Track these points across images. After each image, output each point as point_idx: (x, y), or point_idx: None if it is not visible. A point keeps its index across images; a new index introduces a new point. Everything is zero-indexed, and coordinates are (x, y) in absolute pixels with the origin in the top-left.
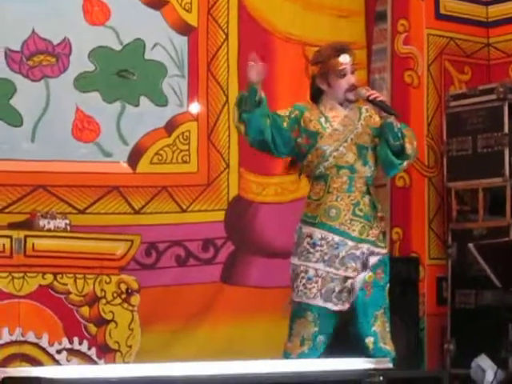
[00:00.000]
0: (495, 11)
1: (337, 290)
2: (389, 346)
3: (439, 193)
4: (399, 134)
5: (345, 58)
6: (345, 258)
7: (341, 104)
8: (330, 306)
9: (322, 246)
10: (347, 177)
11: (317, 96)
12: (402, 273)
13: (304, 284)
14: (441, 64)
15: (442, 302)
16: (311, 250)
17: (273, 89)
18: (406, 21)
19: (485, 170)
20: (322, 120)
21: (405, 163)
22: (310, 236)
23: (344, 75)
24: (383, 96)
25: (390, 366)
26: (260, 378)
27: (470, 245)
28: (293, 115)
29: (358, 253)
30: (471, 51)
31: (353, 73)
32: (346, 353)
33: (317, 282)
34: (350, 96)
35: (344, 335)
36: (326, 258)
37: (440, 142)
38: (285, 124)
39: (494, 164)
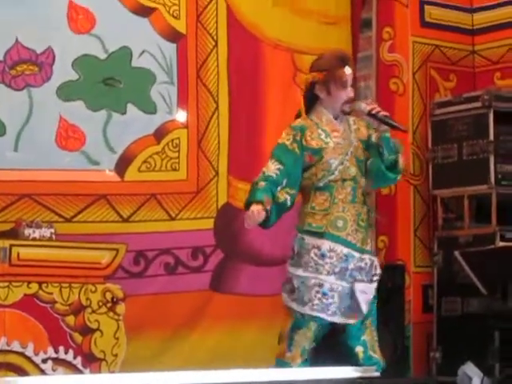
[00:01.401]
0: (480, 19)
1: (349, 304)
2: (377, 355)
3: (425, 200)
4: (394, 149)
5: (348, 69)
6: (353, 271)
7: (335, 117)
8: (343, 320)
9: (331, 257)
10: (351, 188)
11: (310, 103)
12: (387, 280)
13: (320, 298)
14: (426, 71)
15: (428, 309)
16: (320, 262)
17: (261, 96)
18: (391, 28)
19: (470, 177)
20: (323, 136)
21: (399, 177)
22: (318, 247)
23: (346, 87)
24: (385, 110)
25: (377, 374)
26: None
27: (456, 252)
28: (297, 138)
29: (362, 264)
30: (456, 59)
31: (351, 85)
32: (331, 360)
33: (333, 297)
34: (346, 108)
35: (330, 343)
36: (336, 270)
37: (425, 149)
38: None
39: (479, 171)
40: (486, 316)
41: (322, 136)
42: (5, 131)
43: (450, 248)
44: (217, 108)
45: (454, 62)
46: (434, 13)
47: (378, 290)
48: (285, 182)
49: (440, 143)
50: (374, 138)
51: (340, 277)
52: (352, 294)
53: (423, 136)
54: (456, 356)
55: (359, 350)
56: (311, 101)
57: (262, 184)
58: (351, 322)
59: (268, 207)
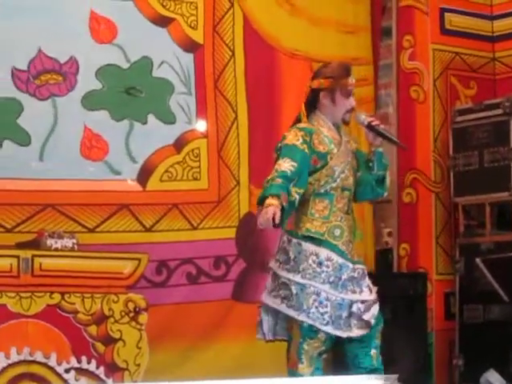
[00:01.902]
0: (500, 25)
1: (344, 316)
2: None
3: (446, 208)
4: (385, 165)
5: (352, 79)
6: (346, 281)
7: (334, 125)
8: (338, 333)
9: (327, 266)
10: (347, 199)
11: (310, 108)
12: (409, 288)
13: (317, 307)
14: (446, 79)
15: (450, 317)
16: (317, 270)
17: (279, 105)
18: (412, 36)
19: (491, 184)
20: (327, 141)
21: (385, 194)
22: (316, 255)
23: (350, 96)
24: (384, 124)
25: (398, 382)
26: None
27: (478, 259)
28: (307, 139)
29: (355, 274)
30: (477, 66)
31: (353, 95)
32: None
33: (327, 307)
34: (347, 117)
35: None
36: (330, 279)
37: (446, 157)
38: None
39: (500, 178)
40: (507, 323)
41: (327, 141)
42: (30, 141)
43: (472, 255)
44: (236, 118)
45: (474, 69)
46: (454, 20)
47: (401, 298)
48: (296, 180)
49: (461, 150)
50: (362, 154)
51: (333, 286)
52: (344, 306)
53: (444, 143)
54: (478, 363)
55: (374, 352)
56: (311, 107)
57: (279, 180)
58: (345, 335)
59: (284, 204)
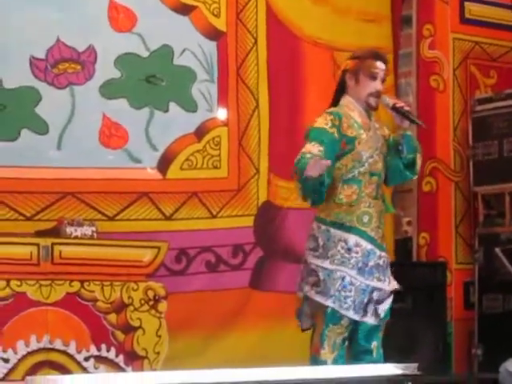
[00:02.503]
0: None
1: (365, 301)
2: None
3: (466, 197)
4: (414, 148)
5: (381, 64)
6: (373, 268)
7: (365, 111)
8: (356, 317)
9: (356, 252)
10: (376, 184)
11: (339, 92)
12: (429, 278)
13: (339, 291)
14: (466, 68)
15: (470, 306)
16: (346, 256)
17: (301, 93)
18: (432, 25)
19: (511, 173)
20: (356, 126)
21: (415, 177)
22: (345, 241)
23: (374, 78)
24: (408, 106)
25: (417, 371)
26: None
27: (497, 249)
28: (336, 123)
29: (380, 262)
30: (497, 55)
31: (382, 81)
32: None
33: (351, 291)
34: (372, 102)
35: None
36: (359, 265)
37: (466, 146)
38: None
39: None
40: None
41: (356, 126)
42: (47, 130)
43: (491, 245)
44: (257, 106)
45: (494, 58)
46: (473, 9)
47: (420, 287)
48: None
49: (481, 140)
50: (391, 138)
51: (360, 272)
52: (366, 292)
53: (464, 133)
54: (498, 353)
55: (374, 345)
56: (341, 90)
57: (309, 156)
58: (365, 320)
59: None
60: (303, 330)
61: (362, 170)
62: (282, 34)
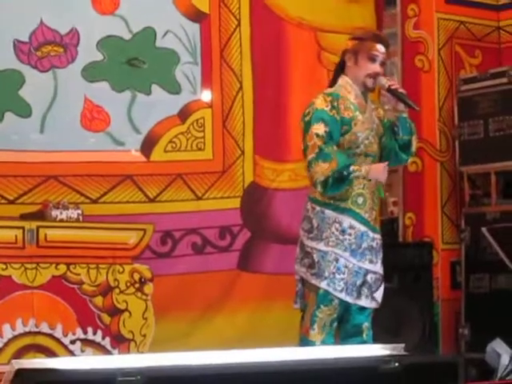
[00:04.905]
0: None
1: (358, 283)
2: None
3: (451, 177)
4: (409, 130)
5: (381, 47)
6: (365, 250)
7: (362, 93)
8: (349, 299)
9: (350, 234)
10: (370, 165)
11: (338, 72)
12: (415, 258)
13: (333, 273)
14: (451, 48)
15: (456, 286)
16: (340, 237)
17: (285, 74)
18: (416, 5)
19: (497, 153)
20: (352, 107)
21: (410, 159)
22: (339, 223)
23: (374, 60)
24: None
25: (404, 352)
26: (275, 365)
27: (484, 229)
28: (335, 104)
29: (374, 244)
30: (482, 35)
31: (381, 64)
32: None
33: (344, 273)
34: (369, 83)
35: None
36: (352, 247)
37: (451, 126)
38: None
39: (506, 147)
40: None
41: (352, 108)
42: (30, 113)
43: (478, 224)
44: (241, 87)
45: (479, 38)
46: None
47: (407, 267)
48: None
49: (466, 119)
50: (386, 119)
51: (353, 254)
52: (360, 274)
53: (449, 112)
54: (484, 333)
55: (365, 326)
56: (341, 70)
57: (335, 148)
58: (359, 303)
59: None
60: (301, 311)
61: (357, 151)
62: (265, 15)
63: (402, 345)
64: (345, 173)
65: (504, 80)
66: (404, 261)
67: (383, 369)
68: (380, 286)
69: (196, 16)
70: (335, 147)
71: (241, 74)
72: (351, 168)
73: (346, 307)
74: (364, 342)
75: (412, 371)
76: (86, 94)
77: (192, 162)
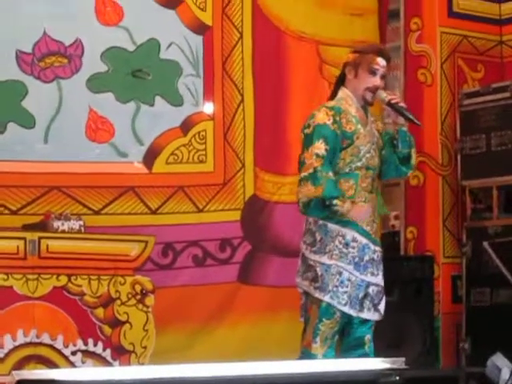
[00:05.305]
0: (508, 8)
1: (360, 296)
2: None
3: (453, 191)
4: (409, 143)
5: (382, 61)
6: (367, 262)
7: (362, 107)
8: (352, 312)
9: (353, 247)
10: (371, 178)
11: (339, 85)
12: (416, 271)
13: (337, 286)
14: (454, 62)
15: (457, 300)
16: (344, 251)
17: (286, 87)
18: (419, 19)
19: (499, 167)
20: (354, 121)
21: (410, 172)
22: (343, 236)
23: (374, 74)
24: (404, 102)
25: (405, 365)
26: (276, 378)
27: (485, 243)
28: (337, 119)
29: (375, 256)
30: (484, 49)
31: (382, 78)
32: None
33: (347, 287)
34: (369, 97)
35: None
36: (355, 260)
37: (454, 140)
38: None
39: (507, 162)
40: None
41: (354, 121)
42: (34, 123)
43: (479, 238)
44: (242, 100)
45: (481, 52)
46: (461, 3)
47: (408, 281)
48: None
49: (468, 134)
50: (385, 132)
51: (356, 267)
52: (362, 287)
53: (452, 126)
54: (485, 347)
55: (368, 338)
56: (342, 82)
57: (330, 174)
58: (362, 316)
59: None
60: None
61: (359, 164)
62: (268, 28)
63: (403, 358)
64: (327, 202)
65: (506, 94)
66: (405, 274)
67: (384, 382)
68: (382, 297)
69: (199, 28)
70: (330, 173)
71: (242, 86)
72: (334, 201)
73: (348, 320)
74: (366, 354)
75: None
76: (91, 104)
77: (193, 174)
